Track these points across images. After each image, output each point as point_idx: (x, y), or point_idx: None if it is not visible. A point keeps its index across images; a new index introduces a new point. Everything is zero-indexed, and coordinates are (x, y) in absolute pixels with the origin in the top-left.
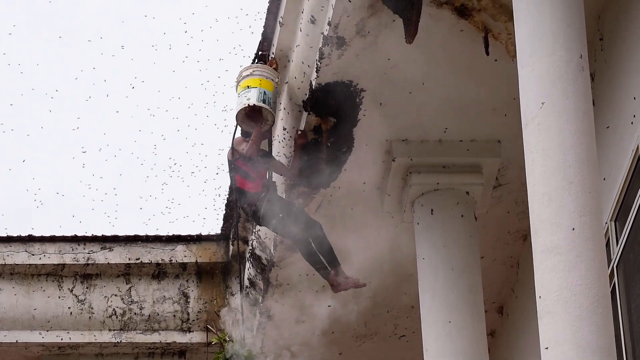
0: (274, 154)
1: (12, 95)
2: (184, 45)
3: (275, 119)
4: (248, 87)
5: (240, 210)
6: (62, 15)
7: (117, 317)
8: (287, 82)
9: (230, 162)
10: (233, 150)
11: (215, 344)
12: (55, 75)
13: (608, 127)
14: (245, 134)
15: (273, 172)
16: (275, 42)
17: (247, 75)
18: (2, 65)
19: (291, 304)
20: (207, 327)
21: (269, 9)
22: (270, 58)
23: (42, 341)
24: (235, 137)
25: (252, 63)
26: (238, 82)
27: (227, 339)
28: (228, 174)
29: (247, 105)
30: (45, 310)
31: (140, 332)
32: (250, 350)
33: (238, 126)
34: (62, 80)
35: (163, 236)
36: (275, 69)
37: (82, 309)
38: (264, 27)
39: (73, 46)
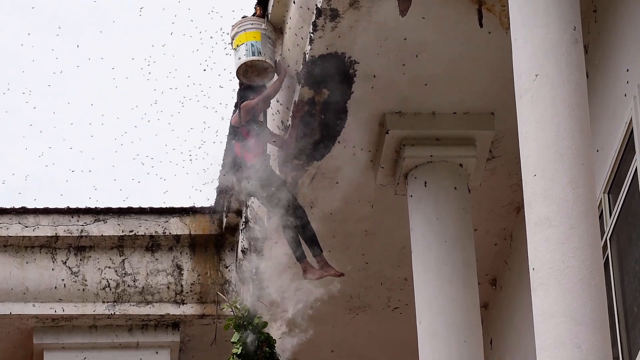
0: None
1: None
2: (172, 16)
3: (275, 57)
4: (237, 46)
5: (234, 179)
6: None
7: (110, 289)
8: (280, 54)
9: (234, 128)
10: (239, 114)
11: (213, 315)
12: (41, 52)
13: (601, 98)
14: (250, 90)
15: (268, 145)
16: (269, 13)
17: (234, 36)
18: None
19: (284, 276)
20: (218, 293)
21: None
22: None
23: (36, 313)
24: (243, 102)
25: None
26: (231, 43)
27: (238, 306)
28: (228, 139)
29: (239, 65)
30: (39, 282)
31: (134, 304)
32: (261, 317)
33: (241, 89)
34: (48, 57)
35: (157, 208)
36: (260, 15)
37: (75, 281)
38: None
39: (60, 24)
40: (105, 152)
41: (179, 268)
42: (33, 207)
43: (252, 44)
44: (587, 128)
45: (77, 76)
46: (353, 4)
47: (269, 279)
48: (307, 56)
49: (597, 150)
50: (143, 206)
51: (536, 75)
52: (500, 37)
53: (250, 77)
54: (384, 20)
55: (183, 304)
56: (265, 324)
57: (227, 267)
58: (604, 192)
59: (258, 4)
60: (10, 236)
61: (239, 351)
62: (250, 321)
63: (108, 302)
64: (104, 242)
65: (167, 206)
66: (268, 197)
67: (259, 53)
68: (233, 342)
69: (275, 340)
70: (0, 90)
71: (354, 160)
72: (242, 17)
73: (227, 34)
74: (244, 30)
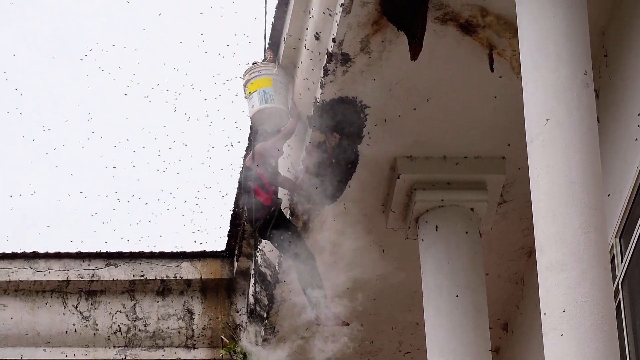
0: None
1: (9, 110)
2: (184, 65)
3: (287, 101)
4: (250, 93)
5: (247, 221)
6: (57, 25)
7: (121, 334)
8: (291, 99)
9: (247, 170)
10: (253, 156)
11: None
12: (53, 90)
13: (612, 143)
14: (265, 133)
15: (280, 189)
16: (280, 58)
17: (246, 83)
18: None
19: (295, 321)
20: (222, 337)
21: (273, 26)
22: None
23: (47, 358)
24: (258, 144)
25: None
26: (244, 90)
27: (238, 350)
28: (241, 181)
29: (253, 113)
30: (50, 327)
31: (145, 348)
32: None
33: (255, 132)
34: (59, 95)
35: (168, 253)
36: (271, 60)
37: (86, 326)
38: (269, 43)
39: (67, 60)
40: (117, 195)
41: (190, 312)
42: (44, 251)
43: (264, 91)
44: (598, 172)
45: (91, 117)
46: (364, 49)
47: (280, 322)
48: (318, 100)
49: (609, 195)
50: (154, 250)
51: (547, 120)
52: (511, 81)
53: (265, 123)
54: (395, 64)
55: (194, 348)
56: None
57: (238, 312)
58: (615, 237)
59: (269, 48)
60: (22, 281)
61: None
62: None
63: (119, 346)
64: (115, 287)
65: (178, 250)
66: (280, 242)
67: (272, 100)
68: None
69: None
70: (8, 126)
71: (365, 204)
72: (253, 63)
73: (239, 77)
74: (255, 77)
